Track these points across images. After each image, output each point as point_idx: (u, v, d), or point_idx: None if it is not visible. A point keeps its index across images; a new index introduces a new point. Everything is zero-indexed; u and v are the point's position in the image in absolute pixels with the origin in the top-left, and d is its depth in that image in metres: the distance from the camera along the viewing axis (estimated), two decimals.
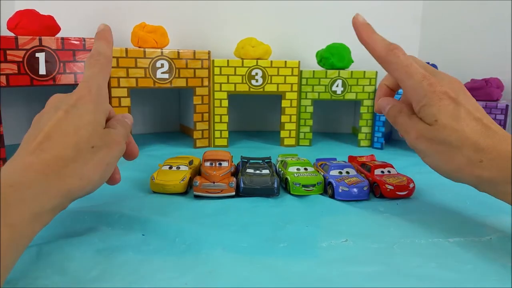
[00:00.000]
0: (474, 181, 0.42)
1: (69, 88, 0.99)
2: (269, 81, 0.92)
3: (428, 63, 0.91)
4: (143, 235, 0.44)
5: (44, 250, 0.41)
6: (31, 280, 0.35)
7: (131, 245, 0.42)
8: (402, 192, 0.58)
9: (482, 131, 0.41)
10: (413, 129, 0.45)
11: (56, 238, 0.43)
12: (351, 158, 0.73)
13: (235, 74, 0.90)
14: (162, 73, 0.85)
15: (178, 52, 0.85)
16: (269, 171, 0.61)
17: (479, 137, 0.41)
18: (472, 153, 0.41)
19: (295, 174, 0.61)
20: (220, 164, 0.60)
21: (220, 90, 0.91)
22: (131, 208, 0.53)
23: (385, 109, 0.50)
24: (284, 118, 0.95)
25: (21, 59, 0.69)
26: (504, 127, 0.81)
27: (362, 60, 1.03)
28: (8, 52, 0.67)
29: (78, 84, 0.76)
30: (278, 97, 0.95)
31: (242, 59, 0.91)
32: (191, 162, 0.65)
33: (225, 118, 0.92)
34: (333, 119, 1.17)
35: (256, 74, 0.91)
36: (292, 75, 0.92)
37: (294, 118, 0.95)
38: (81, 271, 0.37)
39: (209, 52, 0.89)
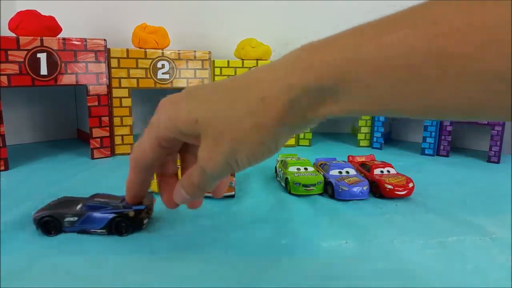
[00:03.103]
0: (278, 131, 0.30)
1: (70, 88, 1.00)
2: None
3: None
4: (144, 237, 0.45)
5: (45, 250, 0.41)
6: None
7: (131, 245, 0.43)
8: (402, 191, 0.58)
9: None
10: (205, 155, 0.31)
11: (56, 239, 0.44)
12: (351, 158, 0.74)
13: (235, 75, 0.90)
14: (163, 73, 0.85)
15: (179, 53, 0.86)
16: None
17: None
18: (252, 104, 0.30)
19: (295, 174, 0.61)
20: None
21: None
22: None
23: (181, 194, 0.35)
24: None
25: (22, 60, 0.69)
26: (503, 127, 0.82)
27: None
28: (9, 52, 0.67)
29: (79, 84, 0.76)
30: None
31: (242, 59, 0.91)
32: None
33: None
34: (332, 119, 1.17)
35: None
36: None
37: None
38: (82, 272, 0.37)
39: (209, 53, 0.89)
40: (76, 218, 0.44)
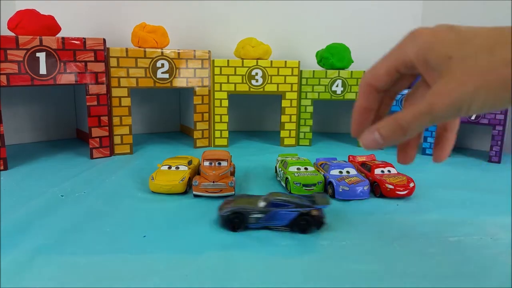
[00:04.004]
0: None
1: (70, 87, 0.99)
2: (269, 81, 0.92)
3: None
4: (144, 236, 0.44)
5: (45, 251, 0.41)
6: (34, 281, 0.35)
7: (131, 245, 0.42)
8: (402, 191, 0.58)
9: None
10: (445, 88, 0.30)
11: (56, 239, 0.43)
12: (351, 158, 0.73)
13: (235, 74, 0.90)
14: (162, 73, 0.85)
15: (178, 52, 0.85)
16: None
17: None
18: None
19: (296, 174, 0.61)
20: (219, 163, 0.60)
21: (220, 90, 0.91)
22: (131, 208, 0.53)
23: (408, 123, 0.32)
24: (284, 118, 0.95)
25: (21, 59, 0.69)
26: (503, 127, 0.81)
27: (362, 60, 1.03)
28: (8, 51, 0.67)
29: (78, 83, 0.76)
30: (278, 97, 0.95)
31: (242, 59, 0.91)
32: (190, 162, 0.65)
33: (225, 118, 0.92)
34: (333, 119, 1.17)
35: (256, 74, 0.91)
36: (292, 75, 0.92)
37: (294, 118, 0.95)
38: (82, 271, 0.37)
39: (209, 52, 0.89)
40: (261, 215, 0.45)
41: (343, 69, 0.96)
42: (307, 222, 0.45)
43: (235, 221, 0.45)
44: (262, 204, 0.46)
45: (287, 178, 0.61)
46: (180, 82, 0.87)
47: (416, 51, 0.32)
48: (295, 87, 0.93)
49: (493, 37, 0.30)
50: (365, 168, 0.65)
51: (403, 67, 0.33)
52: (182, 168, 0.62)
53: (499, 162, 0.83)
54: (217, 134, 0.93)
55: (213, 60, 0.89)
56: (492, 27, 0.31)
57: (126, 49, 0.81)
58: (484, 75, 0.29)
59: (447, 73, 0.30)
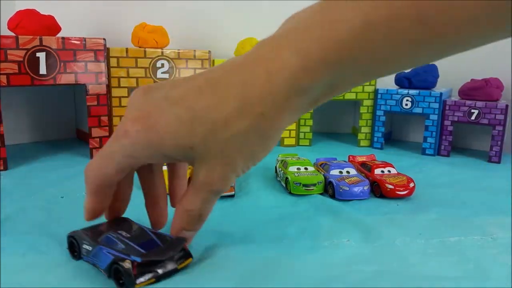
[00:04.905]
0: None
1: (70, 88, 0.99)
2: None
3: None
4: None
5: (45, 251, 0.41)
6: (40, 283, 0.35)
7: None
8: (402, 191, 0.58)
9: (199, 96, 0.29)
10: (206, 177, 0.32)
11: (56, 239, 0.43)
12: (351, 158, 0.73)
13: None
14: (163, 73, 0.85)
15: (178, 52, 0.85)
16: None
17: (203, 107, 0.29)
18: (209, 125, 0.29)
19: (296, 174, 0.61)
20: None
21: None
22: (131, 208, 0.53)
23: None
24: None
25: (21, 59, 0.69)
26: (504, 127, 0.82)
27: None
28: (8, 51, 0.67)
29: (78, 84, 0.76)
30: None
31: None
32: None
33: None
34: (333, 119, 1.17)
35: None
36: None
37: None
38: (82, 271, 0.37)
39: (209, 52, 0.89)
40: (90, 248, 0.36)
41: None
42: (118, 273, 0.33)
43: (73, 247, 0.38)
44: (104, 234, 0.37)
45: (287, 178, 0.61)
46: None
47: (148, 155, 0.31)
48: None
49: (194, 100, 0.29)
50: (365, 168, 0.65)
51: (136, 166, 0.33)
52: None
53: (499, 162, 0.83)
54: None
55: (213, 60, 0.89)
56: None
57: (126, 49, 0.81)
58: (242, 149, 0.29)
59: (204, 159, 0.30)
